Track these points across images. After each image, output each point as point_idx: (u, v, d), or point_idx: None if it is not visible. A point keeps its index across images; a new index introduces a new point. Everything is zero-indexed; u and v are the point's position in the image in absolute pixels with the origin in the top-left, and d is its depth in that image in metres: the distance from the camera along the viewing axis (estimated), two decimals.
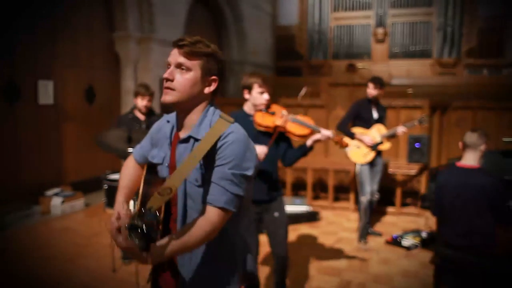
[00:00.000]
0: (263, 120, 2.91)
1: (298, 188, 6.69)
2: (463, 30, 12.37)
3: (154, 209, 1.21)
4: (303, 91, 3.55)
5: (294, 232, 5.08)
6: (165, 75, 1.46)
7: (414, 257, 4.42)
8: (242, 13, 11.31)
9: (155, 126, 1.70)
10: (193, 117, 1.51)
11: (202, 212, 1.42)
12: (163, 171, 1.57)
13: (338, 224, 5.57)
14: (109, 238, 3.73)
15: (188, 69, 1.46)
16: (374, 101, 4.81)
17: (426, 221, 5.57)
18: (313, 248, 4.66)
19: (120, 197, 1.63)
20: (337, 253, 4.47)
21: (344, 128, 4.79)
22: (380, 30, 13.16)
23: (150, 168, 1.67)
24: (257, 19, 12.37)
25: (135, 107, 4.13)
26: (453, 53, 12.42)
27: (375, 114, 4.83)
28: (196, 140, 1.46)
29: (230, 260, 1.56)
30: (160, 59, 7.72)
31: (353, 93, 6.73)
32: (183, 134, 1.53)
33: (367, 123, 4.80)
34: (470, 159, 3.14)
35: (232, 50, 11.38)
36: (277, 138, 2.95)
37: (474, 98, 8.37)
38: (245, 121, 2.82)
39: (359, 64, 12.75)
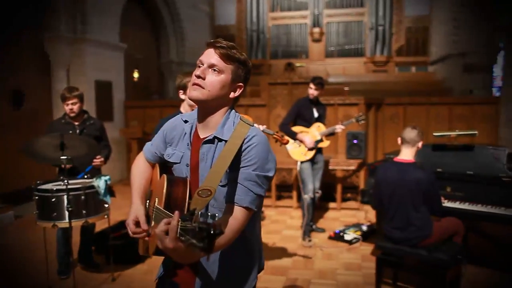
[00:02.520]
0: None
1: None
2: (393, 29, 13.00)
3: (198, 210, 1.19)
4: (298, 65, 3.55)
5: None
6: (197, 73, 1.48)
7: (356, 250, 4.56)
8: (179, 13, 11.11)
9: (170, 124, 1.69)
10: (216, 118, 1.53)
11: (227, 211, 1.44)
12: (181, 170, 1.58)
13: (281, 223, 5.63)
14: (44, 253, 3.51)
15: (221, 71, 1.48)
16: (314, 100, 4.90)
17: (365, 215, 5.78)
18: None
19: (136, 198, 1.63)
20: (282, 252, 4.50)
21: (286, 128, 4.84)
22: (316, 30, 13.50)
23: (163, 166, 1.68)
24: (195, 19, 12.21)
25: None
26: (384, 52, 13.02)
27: (315, 113, 4.92)
28: (220, 140, 1.50)
29: (248, 259, 1.60)
30: (94, 61, 7.39)
31: (292, 91, 6.83)
32: (204, 134, 1.54)
33: (308, 122, 4.89)
34: (407, 154, 3.28)
35: (170, 51, 11.15)
36: None
37: (405, 94, 8.84)
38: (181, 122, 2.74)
39: (297, 63, 12.98)
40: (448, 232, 3.32)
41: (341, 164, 6.21)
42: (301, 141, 4.74)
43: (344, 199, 6.48)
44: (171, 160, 1.62)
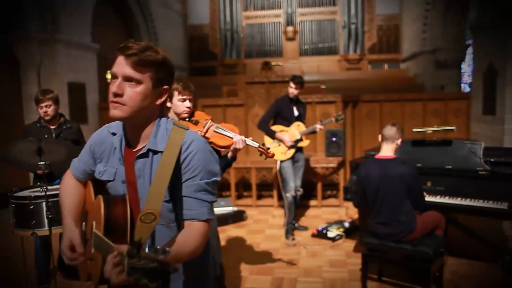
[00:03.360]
0: None
1: (222, 189, 6.63)
2: (365, 28, 13.20)
3: (145, 240, 1.09)
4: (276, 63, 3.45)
5: (222, 233, 5.02)
6: (114, 90, 1.32)
7: (340, 247, 4.60)
8: (152, 13, 10.95)
9: (95, 138, 1.55)
10: (146, 130, 1.41)
11: (186, 228, 1.36)
12: (117, 187, 1.46)
13: (264, 222, 5.62)
14: (21, 262, 3.38)
15: (138, 82, 1.33)
16: (294, 99, 4.91)
17: (346, 211, 5.85)
18: (242, 249, 4.65)
19: (68, 220, 1.48)
20: (266, 252, 4.49)
21: (265, 127, 4.83)
22: (290, 29, 13.55)
23: (96, 182, 1.55)
24: (168, 19, 12.07)
25: None
26: (357, 50, 13.19)
27: (295, 112, 4.94)
28: (155, 152, 1.39)
29: (203, 265, 1.57)
30: (66, 62, 7.18)
31: (269, 90, 6.83)
32: (137, 147, 1.43)
33: (288, 121, 4.90)
34: (388, 151, 3.34)
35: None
36: None
37: (379, 91, 8.97)
38: None
39: (275, 62, 13.01)
40: (431, 226, 3.39)
41: (321, 162, 6.25)
42: (280, 140, 4.75)
43: (325, 197, 6.53)
44: (103, 178, 1.49)
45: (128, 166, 1.43)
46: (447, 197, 3.75)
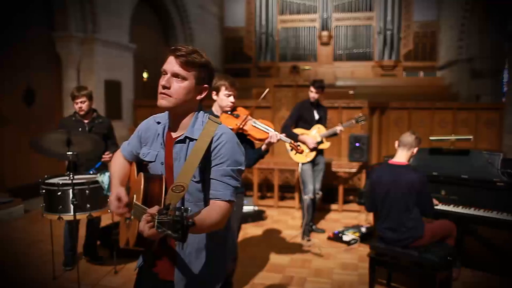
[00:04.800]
0: (227, 122, 3.02)
1: (246, 188, 6.78)
2: (401, 34, 13.03)
3: (173, 204, 1.31)
4: (266, 92, 3.74)
5: (241, 231, 5.15)
6: (162, 83, 1.57)
7: (354, 251, 4.64)
8: (188, 14, 11.28)
9: (144, 125, 1.81)
10: (185, 120, 1.65)
11: (210, 207, 1.56)
12: (156, 168, 1.70)
13: (283, 223, 5.73)
14: (49, 245, 3.66)
15: (184, 79, 1.58)
16: (315, 103, 5.00)
17: (366, 217, 5.86)
18: (258, 246, 4.78)
19: (116, 182, 1.76)
20: (281, 251, 4.60)
21: (288, 130, 4.94)
22: (325, 33, 13.58)
23: (139, 165, 1.80)
24: (205, 21, 12.38)
25: None
26: (392, 56, 13.05)
27: (316, 115, 5.02)
28: (191, 140, 1.61)
29: (221, 249, 1.74)
30: (104, 60, 7.56)
31: (297, 94, 6.92)
32: (177, 135, 1.66)
33: (309, 124, 4.99)
34: (402, 157, 3.38)
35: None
36: (240, 139, 3.03)
37: (412, 98, 8.87)
38: None
39: (305, 66, 13.10)
40: (440, 234, 3.40)
41: (344, 166, 6.29)
42: (303, 142, 4.84)
43: (346, 201, 6.56)
44: (146, 159, 1.73)
45: (168, 150, 1.67)
46: (460, 207, 3.74)
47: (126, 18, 8.29)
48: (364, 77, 12.95)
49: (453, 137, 4.01)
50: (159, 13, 10.77)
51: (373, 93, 10.21)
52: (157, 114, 1.78)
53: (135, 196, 1.63)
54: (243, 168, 1.63)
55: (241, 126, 3.07)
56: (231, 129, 2.97)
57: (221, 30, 13.89)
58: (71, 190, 3.37)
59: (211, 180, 1.58)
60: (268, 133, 3.13)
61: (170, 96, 1.56)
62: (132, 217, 1.63)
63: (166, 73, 1.58)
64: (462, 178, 3.80)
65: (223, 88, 3.03)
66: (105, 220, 4.60)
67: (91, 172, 3.83)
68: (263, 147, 3.16)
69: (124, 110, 8.22)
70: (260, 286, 3.73)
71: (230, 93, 3.03)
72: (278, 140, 3.17)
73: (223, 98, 3.05)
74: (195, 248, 1.65)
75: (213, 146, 1.57)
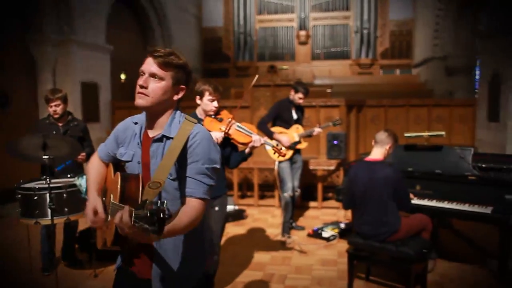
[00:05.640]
0: (210, 126, 3.09)
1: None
2: (377, 33, 13.24)
3: (150, 200, 1.32)
4: (255, 78, 3.76)
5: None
6: (140, 82, 1.61)
7: (333, 247, 4.72)
8: (166, 15, 11.21)
9: (121, 126, 1.84)
10: (162, 119, 1.69)
11: (182, 204, 1.60)
12: (133, 167, 1.73)
13: (263, 221, 5.77)
14: (26, 251, 3.61)
15: (161, 79, 1.62)
16: (294, 103, 5.05)
17: (345, 213, 5.94)
18: (239, 245, 4.80)
19: (93, 192, 1.76)
20: (261, 249, 4.64)
21: (264, 127, 4.97)
22: (302, 33, 13.69)
23: (116, 166, 1.82)
24: (183, 21, 12.32)
25: None
26: (369, 54, 13.25)
27: (294, 115, 5.07)
28: (168, 138, 1.65)
29: (199, 246, 1.77)
30: (80, 62, 7.46)
31: (275, 93, 6.97)
32: (153, 134, 1.69)
33: (287, 123, 5.03)
34: (377, 154, 3.46)
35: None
36: (223, 142, 3.14)
37: (389, 96, 9.03)
38: None
39: (283, 66, 13.18)
40: (416, 228, 3.49)
41: (322, 164, 6.37)
42: (278, 141, 4.88)
43: (325, 198, 6.64)
44: (123, 158, 1.76)
45: (144, 149, 1.70)
46: (434, 201, 3.85)
47: (103, 19, 8.19)
48: (342, 76, 13.10)
49: (426, 134, 4.12)
50: (136, 14, 10.67)
51: (350, 91, 10.34)
52: (135, 115, 1.81)
53: (112, 195, 1.65)
54: (218, 166, 1.66)
55: (224, 130, 3.12)
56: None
57: (199, 30, 13.86)
58: (48, 194, 3.33)
59: (186, 178, 1.61)
60: (251, 137, 3.19)
61: (147, 96, 1.60)
62: (109, 217, 1.64)
63: (144, 74, 1.62)
64: (436, 173, 3.91)
65: (207, 93, 3.09)
66: (83, 224, 4.56)
67: (68, 176, 3.79)
68: (247, 150, 3.23)
69: (102, 112, 8.13)
70: (241, 285, 3.76)
71: (213, 98, 3.09)
72: (261, 144, 3.24)
73: (207, 103, 3.10)
74: (172, 245, 1.67)
75: (188, 144, 1.61)
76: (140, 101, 1.61)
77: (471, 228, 4.76)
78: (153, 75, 1.61)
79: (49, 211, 3.35)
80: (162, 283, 1.66)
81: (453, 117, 7.55)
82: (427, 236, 3.55)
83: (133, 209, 1.31)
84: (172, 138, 1.62)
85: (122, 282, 1.80)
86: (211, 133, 3.03)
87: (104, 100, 8.20)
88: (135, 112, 1.79)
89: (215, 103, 3.10)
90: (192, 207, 1.57)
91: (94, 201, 1.69)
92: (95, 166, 1.88)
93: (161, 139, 1.65)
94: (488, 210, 3.54)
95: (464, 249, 4.44)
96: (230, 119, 3.18)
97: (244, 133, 3.20)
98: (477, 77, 11.41)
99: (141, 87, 1.60)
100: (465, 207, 3.66)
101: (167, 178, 1.57)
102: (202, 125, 3.07)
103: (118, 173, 1.64)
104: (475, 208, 3.62)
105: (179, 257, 1.69)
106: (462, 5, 9.85)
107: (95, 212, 1.65)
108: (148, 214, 1.23)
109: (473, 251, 4.33)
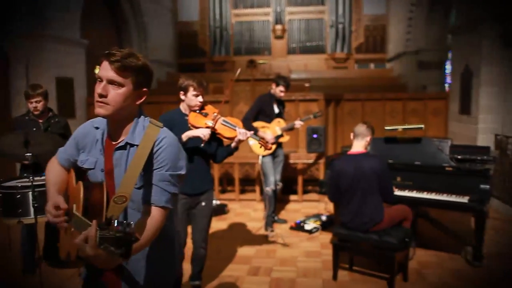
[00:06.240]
0: (196, 121, 3.09)
1: None
2: (352, 27, 13.43)
3: (115, 217, 1.26)
4: (238, 72, 3.74)
5: None
6: (99, 91, 1.51)
7: (316, 239, 4.81)
8: (141, 9, 11.04)
9: (80, 131, 1.73)
10: (125, 126, 1.60)
11: (145, 212, 1.54)
12: (96, 175, 1.64)
13: (245, 215, 5.82)
14: (6, 251, 3.52)
15: (120, 85, 1.52)
16: (275, 97, 5.10)
17: (325, 206, 6.06)
18: (222, 239, 4.84)
19: (53, 191, 1.65)
20: (245, 243, 4.69)
21: (249, 124, 5.00)
22: (278, 27, 13.72)
23: (78, 172, 1.72)
24: (158, 15, 12.15)
25: None
26: (344, 49, 13.42)
27: (276, 109, 5.13)
28: (132, 145, 1.57)
29: (169, 252, 1.73)
30: (54, 57, 7.27)
31: (254, 88, 7.00)
32: (117, 140, 1.62)
33: (269, 117, 5.08)
34: (359, 147, 3.55)
35: (132, 46, 11.06)
36: (210, 137, 3.13)
37: (364, 89, 9.21)
38: (181, 119, 3.09)
39: (261, 60, 13.20)
40: (398, 218, 3.61)
41: (302, 157, 6.46)
42: (263, 138, 4.93)
43: (305, 191, 6.74)
44: (85, 166, 1.67)
45: (107, 157, 1.61)
46: (414, 191, 3.98)
47: (77, 13, 7.99)
48: (317, 70, 13.21)
49: (406, 126, 4.25)
50: (111, 7, 10.47)
51: (326, 85, 10.46)
52: (95, 119, 1.70)
53: (74, 206, 1.52)
54: (183, 173, 1.60)
55: (210, 125, 3.12)
56: (200, 127, 3.06)
57: (174, 25, 13.70)
58: (31, 193, 3.26)
59: (150, 185, 1.56)
60: (236, 131, 3.19)
61: (107, 104, 1.50)
62: (72, 229, 1.52)
63: (102, 80, 1.51)
64: (416, 164, 4.04)
65: (191, 89, 3.08)
66: None
67: None
68: (233, 144, 3.24)
69: (78, 108, 7.97)
70: (228, 278, 3.80)
71: (198, 93, 3.08)
72: (247, 138, 3.24)
73: (192, 98, 3.10)
74: (142, 255, 1.62)
75: (154, 149, 1.54)
76: (100, 110, 1.51)
77: (446, 217, 4.94)
78: (111, 82, 1.50)
79: (32, 209, 3.29)
80: None
81: (427, 110, 7.78)
82: (408, 225, 3.69)
83: (98, 228, 1.22)
84: (136, 145, 1.55)
85: None
86: (199, 130, 3.06)
87: (79, 96, 8.03)
88: None
89: (200, 98, 3.10)
90: (153, 218, 1.52)
91: (54, 198, 1.58)
92: (54, 171, 1.77)
93: (124, 146, 1.58)
94: (465, 199, 3.70)
95: (440, 237, 4.61)
96: (215, 114, 3.18)
97: (230, 127, 3.20)
98: (447, 71, 11.78)
99: (100, 95, 1.50)
100: (444, 197, 3.81)
101: (133, 188, 1.49)
102: (187, 120, 3.10)
103: (80, 182, 1.55)
104: (453, 198, 3.77)
105: (150, 266, 1.64)
106: (433, 1, 10.09)
107: (57, 208, 1.54)
108: (115, 237, 1.16)
109: (449, 239, 4.51)
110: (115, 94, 1.51)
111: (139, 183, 1.55)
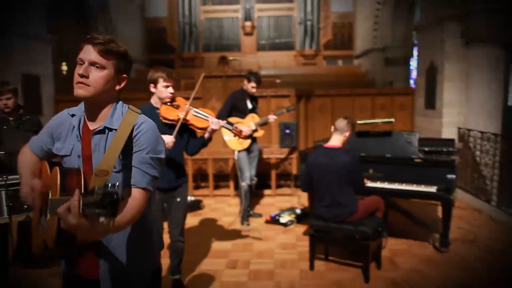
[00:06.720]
0: (168, 113, 3.04)
1: None
2: (320, 24, 13.66)
3: (98, 187, 1.23)
4: (201, 77, 3.70)
5: None
6: (80, 71, 1.51)
7: (291, 231, 4.91)
8: (109, 4, 10.85)
9: (55, 120, 1.72)
10: (104, 111, 1.62)
11: (126, 194, 1.53)
12: (72, 162, 1.63)
13: (220, 210, 5.86)
14: None
15: (103, 68, 1.54)
16: (248, 93, 5.16)
17: (299, 199, 6.18)
18: (199, 234, 4.86)
19: (26, 175, 1.65)
20: (222, 237, 4.74)
21: (223, 120, 5.04)
22: (248, 24, 13.79)
23: (51, 163, 1.70)
24: (126, 11, 11.97)
25: None
26: (313, 45, 13.64)
27: (249, 105, 5.19)
28: (111, 130, 1.59)
29: (148, 239, 1.73)
30: (20, 53, 7.05)
31: (226, 84, 7.04)
32: (94, 126, 1.62)
33: (243, 113, 5.14)
34: (336, 141, 3.67)
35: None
36: (181, 129, 3.09)
37: (333, 85, 9.40)
38: (152, 113, 2.96)
39: (231, 56, 13.20)
40: (371, 208, 3.75)
41: (275, 152, 6.55)
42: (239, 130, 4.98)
43: (279, 186, 6.85)
44: (61, 153, 1.66)
45: (85, 142, 1.61)
46: (386, 183, 4.14)
47: (43, 8, 7.77)
48: (287, 66, 13.38)
49: (377, 120, 4.41)
50: (78, 3, 10.23)
51: (296, 81, 10.61)
52: (71, 108, 1.70)
53: (50, 193, 1.51)
54: (162, 156, 1.63)
55: (182, 117, 3.07)
56: (172, 120, 3.06)
57: (143, 21, 13.52)
58: (4, 192, 3.19)
59: (131, 168, 1.57)
60: (209, 120, 3.16)
61: (88, 86, 1.51)
62: (48, 216, 1.49)
63: (83, 62, 1.53)
64: (386, 157, 4.20)
65: (161, 80, 3.04)
66: None
67: None
68: (206, 135, 3.21)
69: (45, 106, 7.76)
70: (207, 272, 3.84)
71: (168, 84, 3.05)
72: (220, 127, 3.21)
73: (162, 90, 3.05)
74: (121, 241, 1.63)
75: (134, 133, 1.56)
76: (80, 91, 1.52)
77: (414, 207, 5.15)
78: (93, 64, 1.52)
79: (6, 209, 3.22)
80: (112, 282, 1.61)
81: (394, 105, 8.04)
82: (380, 215, 3.84)
83: (80, 197, 1.22)
84: (114, 129, 1.57)
85: (70, 287, 1.73)
86: (164, 136, 2.95)
87: (47, 93, 7.83)
88: (78, 104, 1.70)
89: (171, 89, 3.06)
90: (134, 199, 1.52)
91: (29, 181, 1.59)
92: (27, 159, 1.74)
93: (103, 130, 1.58)
94: (433, 189, 3.89)
95: (409, 226, 4.81)
96: (187, 105, 3.13)
97: (202, 117, 3.16)
98: (412, 67, 12.19)
99: (81, 76, 1.51)
100: (413, 187, 3.98)
101: (112, 171, 1.48)
102: (159, 114, 3.09)
103: (57, 168, 1.51)
104: (422, 188, 3.95)
105: (128, 254, 1.64)
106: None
107: (33, 189, 1.54)
108: (100, 197, 1.16)
109: (417, 227, 4.71)
110: (97, 76, 1.53)
111: (118, 167, 1.56)
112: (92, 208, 1.17)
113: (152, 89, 3.08)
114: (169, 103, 3.09)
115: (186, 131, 3.18)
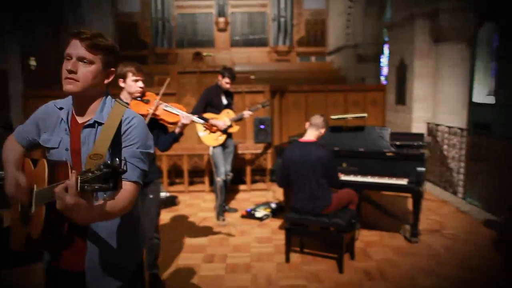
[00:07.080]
0: (137, 109, 2.97)
1: None
2: (294, 21, 13.77)
3: (93, 169, 1.21)
4: (166, 82, 3.65)
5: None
6: (69, 67, 1.52)
7: (267, 225, 4.97)
8: None
9: (42, 111, 1.71)
10: (93, 105, 1.63)
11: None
12: (60, 154, 1.62)
13: (195, 206, 5.86)
14: None
15: (91, 62, 1.55)
16: (223, 88, 5.17)
17: (274, 194, 6.25)
18: (175, 230, 4.86)
19: (11, 166, 1.64)
20: (198, 233, 4.75)
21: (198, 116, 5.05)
22: (221, 19, 13.77)
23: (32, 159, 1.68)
24: (97, 6, 11.73)
25: None
26: (286, 42, 13.75)
27: (224, 100, 5.20)
28: (100, 124, 1.59)
29: (133, 233, 1.74)
30: None
31: (201, 80, 7.02)
32: (83, 120, 1.63)
33: (218, 109, 5.15)
34: (311, 136, 3.75)
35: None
36: (152, 125, 3.03)
37: (306, 82, 9.52)
38: None
39: (205, 52, 13.17)
40: (345, 201, 3.85)
41: (250, 148, 6.60)
42: (215, 125, 4.98)
43: (254, 181, 6.89)
44: (48, 145, 1.65)
45: (74, 136, 1.61)
46: (359, 176, 4.25)
47: (9, 1, 7.55)
48: (261, 62, 13.44)
49: (351, 115, 4.50)
50: None
51: (269, 77, 10.68)
52: (57, 100, 1.71)
53: (35, 186, 1.50)
54: (151, 151, 1.65)
55: (152, 112, 3.04)
56: (142, 115, 3.04)
57: (114, 16, 13.27)
58: None
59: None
60: (179, 115, 3.14)
61: (77, 81, 1.52)
62: (33, 208, 1.49)
63: (71, 58, 1.53)
64: (359, 151, 4.30)
65: (130, 74, 2.98)
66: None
67: None
68: (177, 130, 3.18)
69: (13, 102, 7.56)
70: (184, 267, 3.85)
71: (137, 78, 3.00)
72: (191, 122, 3.19)
73: (131, 84, 3.00)
74: (107, 233, 1.63)
75: (123, 128, 1.57)
76: (69, 86, 1.53)
77: (385, 200, 5.30)
78: (81, 59, 1.53)
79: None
80: (97, 274, 1.61)
81: (366, 101, 8.21)
82: (354, 207, 3.94)
83: (77, 176, 1.19)
84: (103, 123, 1.57)
85: (53, 282, 1.71)
86: None
87: (14, 88, 7.62)
88: (49, 100, 1.70)
89: (140, 83, 3.01)
90: (126, 190, 1.51)
91: (14, 174, 1.59)
92: (12, 148, 1.72)
93: (93, 124, 1.59)
94: (404, 181, 4.02)
95: (381, 218, 4.95)
96: (157, 100, 3.10)
97: (172, 112, 3.13)
98: (382, 64, 12.46)
99: (70, 72, 1.52)
100: (385, 180, 4.10)
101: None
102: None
103: (44, 160, 1.50)
104: (393, 181, 4.08)
105: (114, 246, 1.64)
106: None
107: (18, 184, 1.54)
108: (101, 173, 1.13)
109: (389, 219, 4.85)
110: (85, 71, 1.54)
111: (108, 160, 1.54)
112: (93, 183, 1.15)
113: (121, 84, 3.02)
114: (139, 98, 3.05)
115: (156, 126, 3.14)
